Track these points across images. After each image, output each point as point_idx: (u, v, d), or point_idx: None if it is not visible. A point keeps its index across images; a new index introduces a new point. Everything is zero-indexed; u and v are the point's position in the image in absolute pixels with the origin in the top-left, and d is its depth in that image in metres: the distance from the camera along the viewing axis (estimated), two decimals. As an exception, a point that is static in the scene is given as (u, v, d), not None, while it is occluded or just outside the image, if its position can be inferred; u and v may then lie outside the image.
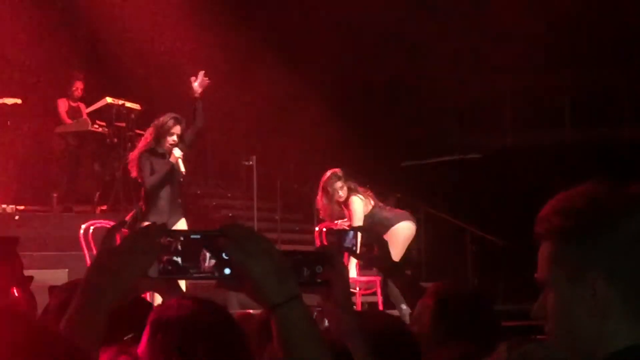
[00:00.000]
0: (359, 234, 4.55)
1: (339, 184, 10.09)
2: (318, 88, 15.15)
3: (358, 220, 9.95)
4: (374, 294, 10.69)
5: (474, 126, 16.89)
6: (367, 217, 10.04)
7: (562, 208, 1.86)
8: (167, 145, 9.71)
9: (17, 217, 12.03)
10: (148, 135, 9.90)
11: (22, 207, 12.66)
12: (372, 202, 10.16)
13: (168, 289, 2.65)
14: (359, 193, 10.13)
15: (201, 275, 1.94)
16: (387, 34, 15.68)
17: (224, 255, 1.91)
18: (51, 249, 10.99)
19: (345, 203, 10.11)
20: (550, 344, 1.94)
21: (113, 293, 1.91)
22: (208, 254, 1.92)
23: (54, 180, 13.72)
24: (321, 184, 10.23)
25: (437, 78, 16.24)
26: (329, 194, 10.10)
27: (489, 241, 13.38)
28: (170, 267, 1.93)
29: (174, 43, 15.38)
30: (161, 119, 9.86)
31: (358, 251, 4.40)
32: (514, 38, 15.32)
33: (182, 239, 1.94)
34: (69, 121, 13.44)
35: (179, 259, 1.93)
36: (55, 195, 13.35)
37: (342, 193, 10.08)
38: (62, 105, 13.48)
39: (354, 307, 2.52)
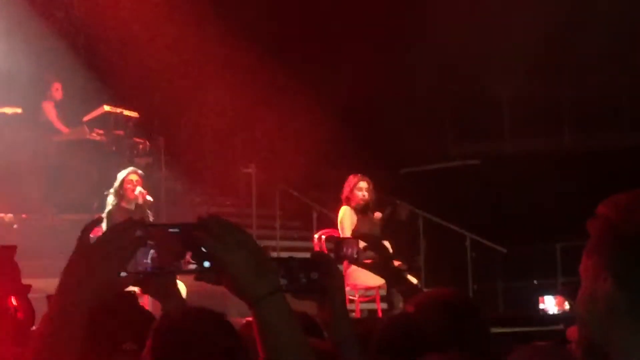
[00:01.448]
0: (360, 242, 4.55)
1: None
2: (318, 96, 15.14)
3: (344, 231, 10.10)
4: (373, 301, 10.66)
5: (472, 133, 16.90)
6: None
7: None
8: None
9: (15, 226, 12.02)
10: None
11: (20, 216, 12.62)
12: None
13: (166, 295, 2.64)
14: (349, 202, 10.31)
15: (180, 269, 1.92)
16: (386, 40, 15.68)
17: (202, 248, 1.87)
18: (49, 258, 10.95)
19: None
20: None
21: (91, 289, 1.86)
22: (187, 248, 1.89)
23: (52, 189, 13.70)
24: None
25: (435, 85, 16.25)
26: None
27: (489, 247, 13.37)
28: (148, 262, 1.90)
29: (172, 51, 15.38)
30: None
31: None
32: (512, 45, 15.32)
33: (159, 233, 1.91)
34: (63, 127, 13.44)
35: (157, 254, 1.90)
36: (53, 203, 13.33)
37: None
38: (48, 108, 13.49)
39: (351, 314, 2.50)
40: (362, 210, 10.31)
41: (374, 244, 10.17)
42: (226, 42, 15.05)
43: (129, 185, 10.05)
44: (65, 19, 15.41)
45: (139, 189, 10.10)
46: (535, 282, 14.24)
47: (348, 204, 10.33)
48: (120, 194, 10.02)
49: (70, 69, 14.93)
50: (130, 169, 10.33)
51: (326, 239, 10.74)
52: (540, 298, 12.17)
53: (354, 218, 10.24)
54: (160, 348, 2.37)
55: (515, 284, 14.42)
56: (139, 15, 15.31)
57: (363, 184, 10.40)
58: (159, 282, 2.64)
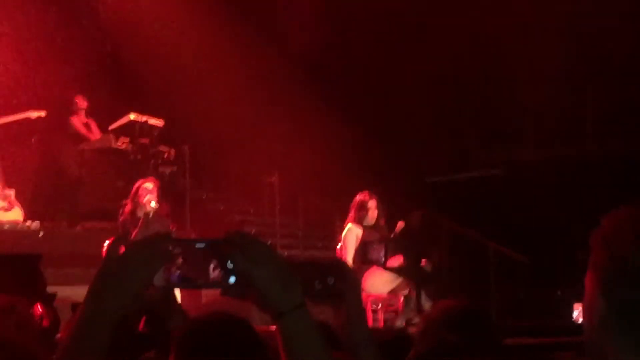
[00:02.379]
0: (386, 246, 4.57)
1: None
2: (342, 104, 15.16)
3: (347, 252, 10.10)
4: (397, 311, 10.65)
5: (496, 142, 16.86)
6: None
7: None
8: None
9: (41, 234, 12.09)
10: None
11: (45, 224, 12.69)
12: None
13: (169, 311, 2.67)
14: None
15: (206, 284, 1.94)
16: (409, 49, 15.68)
17: (228, 263, 1.91)
18: (74, 266, 11.02)
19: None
20: None
21: (117, 302, 1.89)
22: (213, 264, 1.92)
23: (77, 197, 13.77)
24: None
25: (459, 94, 16.24)
26: None
27: (512, 257, 13.33)
28: (175, 276, 1.93)
29: (198, 60, 15.44)
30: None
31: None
32: (536, 53, 15.30)
33: (186, 247, 1.94)
34: (89, 135, 13.55)
35: (184, 268, 1.93)
36: (78, 211, 13.41)
37: None
38: (77, 123, 13.59)
39: (367, 321, 2.51)
40: (370, 226, 10.34)
41: (402, 248, 10.18)
42: (252, 52, 15.12)
43: (141, 193, 9.98)
44: (91, 26, 15.51)
45: (149, 196, 9.99)
46: (558, 292, 14.17)
47: (354, 221, 10.36)
48: (134, 201, 9.95)
49: (97, 77, 15.03)
50: (150, 184, 10.22)
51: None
52: (575, 304, 12.02)
53: (359, 232, 10.24)
54: (184, 356, 2.40)
55: (538, 293, 14.35)
56: (165, 24, 15.40)
57: (372, 203, 10.42)
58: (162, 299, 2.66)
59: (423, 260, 10.37)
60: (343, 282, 2.31)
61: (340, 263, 2.42)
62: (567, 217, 14.21)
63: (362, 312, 2.44)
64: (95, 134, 13.84)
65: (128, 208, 10.08)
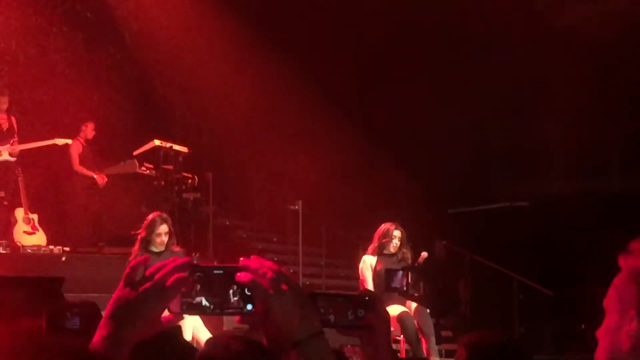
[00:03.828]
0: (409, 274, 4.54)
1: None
2: (366, 135, 15.17)
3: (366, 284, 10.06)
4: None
5: (522, 174, 16.80)
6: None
7: None
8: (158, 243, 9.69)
9: (63, 259, 12.10)
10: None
11: (68, 249, 12.71)
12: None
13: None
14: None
15: (223, 311, 1.93)
16: (435, 78, 15.68)
17: (246, 291, 1.89)
18: (97, 291, 11.00)
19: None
20: None
21: (134, 326, 1.87)
22: (231, 290, 1.90)
23: (100, 222, 13.79)
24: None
25: (485, 125, 16.20)
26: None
27: (536, 290, 13.24)
28: (192, 303, 1.91)
29: (223, 88, 15.48)
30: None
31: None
32: (562, 87, 15.26)
33: (204, 274, 1.92)
34: (79, 168, 13.47)
35: (201, 295, 1.92)
36: (101, 236, 13.43)
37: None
38: (73, 147, 13.49)
39: (397, 354, 2.51)
40: (389, 255, 10.29)
41: (423, 276, 10.13)
42: (276, 80, 15.14)
43: (158, 239, 9.70)
44: (117, 53, 15.60)
45: (165, 239, 9.74)
46: (582, 326, 14.07)
47: (373, 251, 10.31)
48: (147, 240, 9.70)
49: (122, 103, 15.11)
50: (160, 219, 9.85)
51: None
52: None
53: (373, 262, 10.21)
54: None
55: (562, 327, 14.27)
56: (191, 52, 15.47)
57: (397, 233, 10.37)
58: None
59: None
60: (373, 315, 2.30)
61: (372, 295, 2.42)
62: (592, 249, 14.12)
63: (389, 344, 2.43)
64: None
65: (139, 242, 9.80)
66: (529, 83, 15.75)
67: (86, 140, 13.68)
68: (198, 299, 1.92)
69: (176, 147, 13.58)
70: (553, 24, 15.60)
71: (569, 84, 15.24)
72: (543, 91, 15.56)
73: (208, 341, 2.69)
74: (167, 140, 13.61)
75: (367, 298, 2.36)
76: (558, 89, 15.37)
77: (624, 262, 1.79)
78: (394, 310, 9.72)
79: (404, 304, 10.25)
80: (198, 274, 1.92)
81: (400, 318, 10.14)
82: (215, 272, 1.93)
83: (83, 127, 13.70)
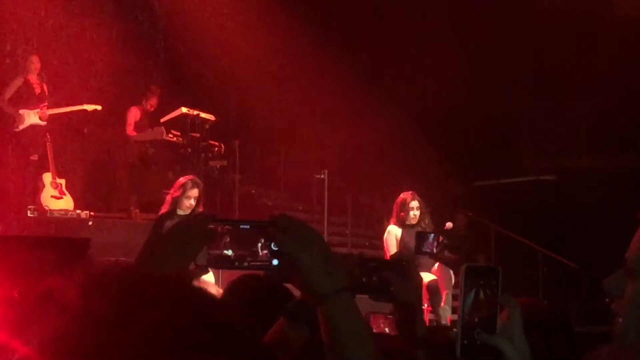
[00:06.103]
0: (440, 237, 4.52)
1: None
2: (393, 105, 15.11)
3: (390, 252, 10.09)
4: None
5: (549, 147, 16.70)
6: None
7: None
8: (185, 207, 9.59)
9: (90, 223, 12.15)
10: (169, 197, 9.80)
11: (95, 214, 12.76)
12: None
13: None
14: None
15: (250, 265, 1.92)
16: (466, 52, 15.60)
17: (272, 245, 1.88)
18: (123, 256, 11.05)
19: None
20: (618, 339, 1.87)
21: (169, 260, 1.88)
22: (259, 244, 1.90)
23: (127, 188, 13.84)
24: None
25: (512, 99, 16.12)
26: None
27: (561, 263, 13.20)
28: (218, 256, 1.91)
29: (250, 57, 15.47)
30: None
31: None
32: (593, 60, 15.14)
33: (231, 228, 1.92)
34: (133, 132, 13.50)
35: (227, 248, 1.91)
36: (128, 201, 13.47)
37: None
38: (133, 113, 13.56)
39: (424, 321, 2.50)
40: (411, 225, 10.27)
41: (456, 241, 10.17)
42: (303, 49, 15.10)
43: (187, 201, 9.62)
44: (146, 21, 15.60)
45: (193, 202, 9.65)
46: (607, 300, 14.03)
47: (396, 222, 10.31)
48: (176, 200, 9.64)
49: (150, 71, 15.12)
50: (192, 182, 9.75)
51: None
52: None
53: (398, 233, 10.22)
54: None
55: (587, 301, 14.22)
56: (219, 20, 15.44)
57: (414, 203, 10.34)
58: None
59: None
60: (404, 280, 2.29)
61: (403, 261, 2.41)
62: (618, 224, 14.04)
63: (421, 310, 2.44)
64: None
65: (167, 203, 9.76)
66: (559, 56, 15.62)
67: (144, 111, 13.65)
68: (226, 252, 1.92)
69: (203, 114, 13.58)
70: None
71: (598, 57, 15.12)
72: (572, 62, 15.43)
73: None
74: (194, 108, 13.62)
75: (399, 264, 2.35)
76: (588, 62, 15.25)
77: None
78: (423, 277, 9.75)
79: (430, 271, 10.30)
80: (225, 227, 1.92)
81: (430, 286, 10.18)
82: (242, 226, 1.93)
83: (148, 100, 13.65)
